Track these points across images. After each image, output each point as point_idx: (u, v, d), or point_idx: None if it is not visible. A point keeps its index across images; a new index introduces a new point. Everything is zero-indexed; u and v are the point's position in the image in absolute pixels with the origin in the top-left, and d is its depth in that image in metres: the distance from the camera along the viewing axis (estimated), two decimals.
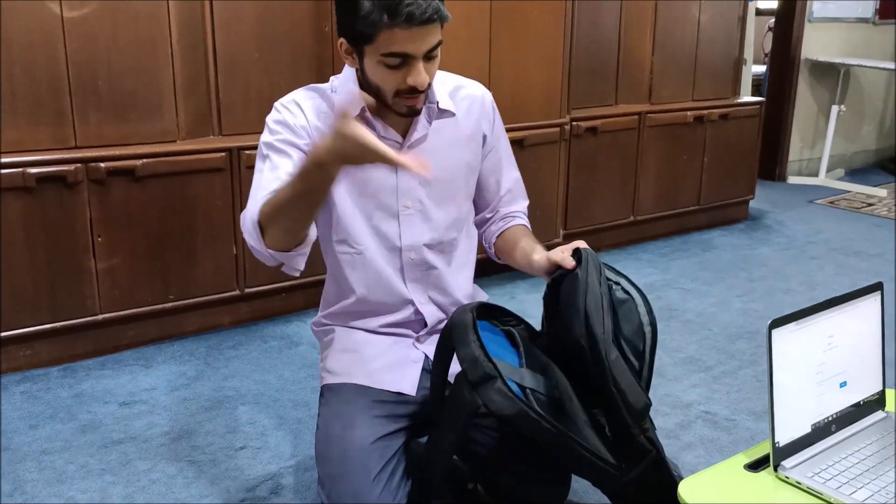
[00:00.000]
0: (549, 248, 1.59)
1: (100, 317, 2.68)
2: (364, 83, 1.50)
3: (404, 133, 1.56)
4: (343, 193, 1.56)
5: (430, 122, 1.57)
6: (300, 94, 1.58)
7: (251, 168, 2.72)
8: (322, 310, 1.75)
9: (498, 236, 1.72)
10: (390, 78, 1.43)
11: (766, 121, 4.74)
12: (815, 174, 5.62)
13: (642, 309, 1.42)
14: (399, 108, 1.47)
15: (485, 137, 1.67)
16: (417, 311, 1.64)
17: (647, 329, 1.39)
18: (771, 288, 3.50)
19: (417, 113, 1.51)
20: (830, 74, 5.58)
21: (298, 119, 1.53)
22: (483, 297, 1.77)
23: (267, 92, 2.93)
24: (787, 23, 5.39)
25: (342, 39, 1.48)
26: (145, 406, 2.42)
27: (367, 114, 1.51)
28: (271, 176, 1.48)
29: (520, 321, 1.58)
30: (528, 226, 1.75)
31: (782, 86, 5.46)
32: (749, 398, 2.51)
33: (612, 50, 3.88)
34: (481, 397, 1.28)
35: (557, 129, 3.43)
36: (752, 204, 4.65)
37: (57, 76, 2.51)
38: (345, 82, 1.56)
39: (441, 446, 1.38)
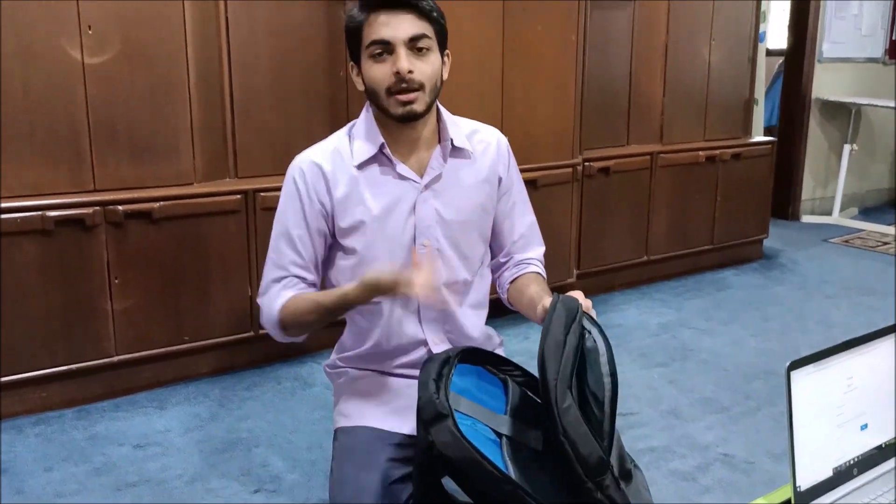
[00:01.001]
0: (561, 288, 1.59)
1: (115, 358, 2.69)
2: (368, 97, 1.55)
3: (421, 172, 1.58)
4: (364, 242, 1.57)
5: (445, 160, 1.59)
6: (317, 150, 1.61)
7: (266, 209, 2.80)
8: (336, 353, 1.75)
9: (511, 283, 1.71)
10: (379, 72, 1.47)
11: (779, 160, 4.75)
12: (829, 213, 5.61)
13: (603, 359, 1.34)
14: (395, 108, 1.48)
15: (500, 180, 1.68)
16: (430, 352, 1.64)
17: (607, 380, 1.31)
18: (786, 327, 3.48)
19: (415, 115, 1.50)
20: (841, 114, 5.60)
21: (318, 185, 1.56)
22: (497, 339, 1.76)
23: (282, 135, 2.97)
24: (797, 63, 5.43)
25: (351, 63, 1.55)
26: (159, 448, 2.42)
27: (386, 150, 1.54)
28: (287, 258, 1.57)
29: (522, 372, 1.54)
30: (543, 273, 1.73)
31: (794, 125, 5.48)
32: (767, 440, 2.48)
33: (624, 91, 3.92)
34: (431, 435, 1.26)
35: (570, 169, 3.45)
36: (765, 243, 4.64)
37: (77, 121, 2.56)
38: (361, 124, 1.59)
39: (414, 483, 1.36)
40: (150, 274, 2.70)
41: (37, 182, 2.53)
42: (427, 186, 1.57)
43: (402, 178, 1.56)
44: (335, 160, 1.57)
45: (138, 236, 2.66)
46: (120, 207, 2.60)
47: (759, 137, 4.55)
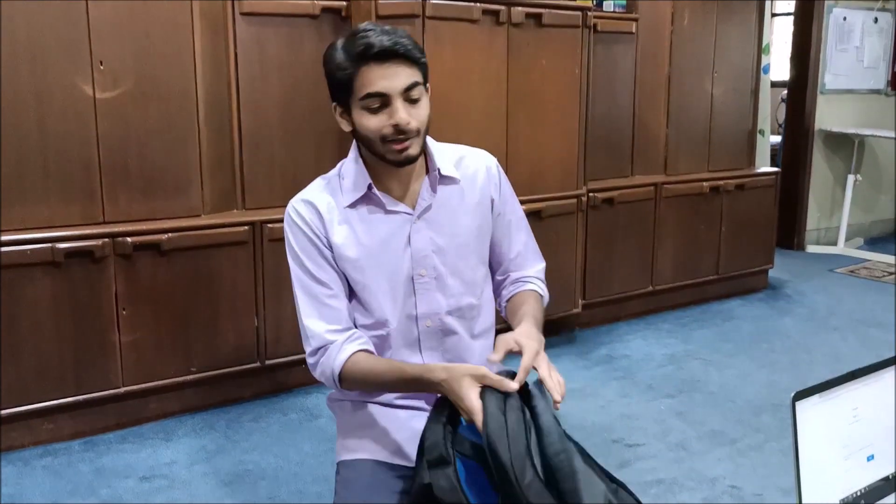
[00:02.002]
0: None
1: (122, 390, 2.69)
2: (359, 141, 1.56)
3: (412, 203, 1.59)
4: (361, 278, 1.58)
5: (434, 190, 1.60)
6: (309, 191, 1.61)
7: (273, 241, 2.82)
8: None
9: (508, 301, 1.72)
10: (374, 122, 1.48)
11: (783, 191, 4.77)
12: (834, 243, 5.61)
13: (548, 439, 1.25)
14: (392, 155, 1.49)
15: (493, 201, 1.69)
16: None
17: (556, 459, 1.23)
18: (794, 360, 3.47)
19: (412, 160, 1.51)
20: (845, 145, 5.63)
21: (315, 221, 1.56)
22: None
23: (290, 168, 3.00)
24: (800, 94, 5.47)
25: (334, 104, 1.56)
26: (165, 481, 2.41)
27: (374, 190, 1.56)
28: (327, 306, 1.56)
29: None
30: (540, 289, 1.73)
31: (798, 156, 5.50)
32: (776, 473, 2.46)
33: (627, 123, 3.96)
34: (430, 476, 1.26)
35: (575, 200, 3.48)
36: (771, 273, 4.64)
37: (88, 155, 2.59)
38: (349, 164, 1.60)
39: None
40: (157, 305, 2.72)
41: (48, 215, 2.56)
42: (419, 217, 1.58)
43: (393, 212, 1.58)
44: (327, 199, 1.58)
45: (147, 268, 2.68)
46: (129, 239, 2.62)
47: (763, 168, 4.57)
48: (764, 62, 4.47)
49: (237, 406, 2.92)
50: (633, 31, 3.87)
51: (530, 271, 1.75)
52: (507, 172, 1.77)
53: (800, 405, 1.16)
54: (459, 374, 1.35)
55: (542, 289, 1.74)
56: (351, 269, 1.57)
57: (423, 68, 1.50)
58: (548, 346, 1.47)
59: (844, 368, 1.21)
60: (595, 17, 3.57)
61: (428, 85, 1.55)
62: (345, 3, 3.00)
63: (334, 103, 1.55)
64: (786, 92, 5.75)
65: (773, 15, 7.25)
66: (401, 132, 1.47)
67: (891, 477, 1.31)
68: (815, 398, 1.18)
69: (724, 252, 4.29)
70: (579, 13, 3.34)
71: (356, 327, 1.63)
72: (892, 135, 5.43)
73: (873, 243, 5.86)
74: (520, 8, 3.15)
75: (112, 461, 2.53)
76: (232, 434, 2.71)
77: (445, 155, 1.64)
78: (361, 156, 1.58)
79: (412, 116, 1.47)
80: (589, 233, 3.69)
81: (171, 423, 2.79)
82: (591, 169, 3.63)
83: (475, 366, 1.37)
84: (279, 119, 2.97)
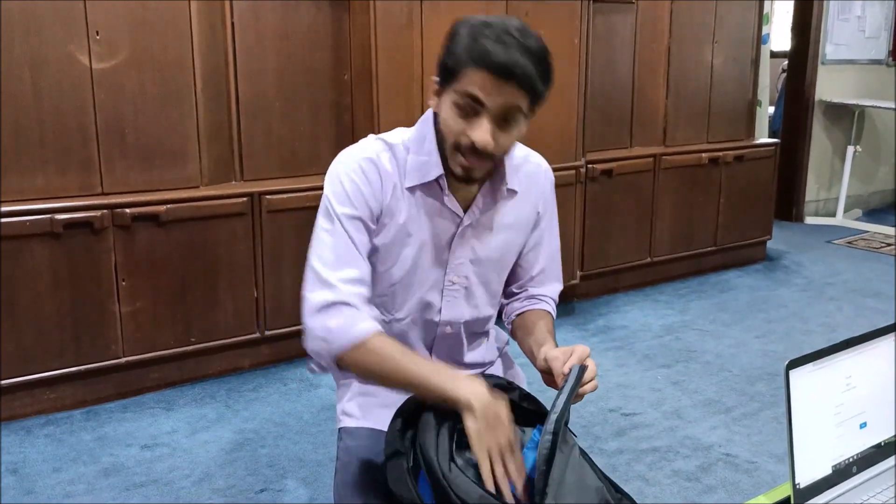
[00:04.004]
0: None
1: (122, 360, 2.71)
2: (437, 130, 1.43)
3: (465, 204, 1.50)
4: (390, 265, 1.50)
5: (494, 203, 1.51)
6: (378, 152, 1.46)
7: (272, 212, 2.83)
8: None
9: (518, 315, 1.65)
10: (457, 123, 1.35)
11: (782, 162, 4.76)
12: (833, 214, 5.62)
13: (552, 416, 1.23)
14: (454, 166, 1.38)
15: (538, 215, 1.62)
16: None
17: (546, 437, 1.21)
18: (790, 329, 3.49)
19: (472, 181, 1.41)
20: (845, 116, 5.61)
21: (375, 183, 1.43)
22: (504, 338, 1.76)
23: (288, 138, 2.99)
24: (801, 65, 5.44)
25: (434, 77, 1.43)
26: (167, 449, 2.44)
27: (442, 180, 1.45)
28: (354, 266, 1.40)
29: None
30: (552, 311, 1.66)
31: (797, 127, 5.49)
32: (770, 440, 2.49)
33: (627, 94, 3.94)
34: (386, 469, 1.26)
35: (573, 171, 3.47)
36: (769, 244, 4.65)
37: (85, 125, 2.59)
38: (420, 141, 1.47)
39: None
40: (157, 276, 2.73)
41: (46, 186, 2.56)
42: (469, 224, 1.50)
43: (447, 209, 1.47)
44: (389, 171, 1.46)
45: (146, 239, 2.69)
46: (128, 210, 2.63)
47: (762, 139, 4.56)
48: (763, 32, 4.44)
49: (237, 376, 2.95)
50: (633, 0, 3.84)
51: (547, 291, 1.67)
52: None
53: (794, 373, 1.17)
54: (492, 404, 1.24)
55: (554, 310, 1.67)
56: (386, 252, 1.47)
57: (535, 96, 1.36)
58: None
59: (840, 338, 1.22)
60: None
61: (536, 109, 1.40)
62: None
63: (435, 77, 1.41)
64: (786, 62, 5.72)
65: None
66: (475, 151, 1.35)
67: (883, 444, 1.33)
68: (809, 366, 1.20)
69: (722, 223, 4.29)
70: None
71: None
72: (893, 106, 5.41)
73: (872, 215, 5.87)
74: None
75: (114, 430, 2.55)
76: (232, 403, 2.74)
77: (514, 162, 1.52)
78: (434, 132, 1.45)
79: (496, 140, 1.35)
80: (587, 204, 3.69)
81: (171, 392, 2.81)
82: (589, 140, 3.62)
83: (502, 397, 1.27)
84: (276, 89, 2.96)
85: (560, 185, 3.37)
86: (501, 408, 1.25)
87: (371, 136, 1.50)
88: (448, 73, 1.36)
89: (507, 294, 1.69)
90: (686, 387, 2.89)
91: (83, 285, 2.61)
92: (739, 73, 4.28)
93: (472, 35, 1.34)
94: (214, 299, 2.85)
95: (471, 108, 1.34)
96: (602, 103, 3.79)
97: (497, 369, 1.71)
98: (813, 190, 5.63)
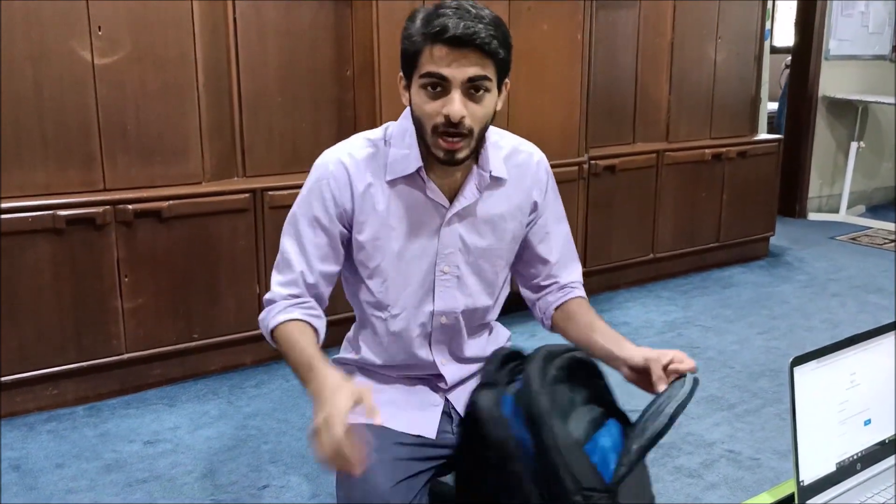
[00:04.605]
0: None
1: (125, 356, 2.71)
2: (413, 120, 1.45)
3: (451, 194, 1.50)
4: (379, 261, 1.52)
5: (480, 192, 1.51)
6: (354, 150, 1.50)
7: (274, 208, 2.82)
8: (344, 352, 1.74)
9: (556, 308, 1.64)
10: (429, 108, 1.37)
11: (785, 158, 4.75)
12: (836, 211, 5.61)
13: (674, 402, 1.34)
14: (437, 151, 1.39)
15: (535, 205, 1.61)
16: (439, 373, 1.62)
17: (662, 419, 1.34)
18: (793, 325, 3.48)
19: (456, 162, 1.41)
20: (848, 112, 5.60)
21: (343, 188, 1.48)
22: (504, 335, 1.76)
23: (289, 134, 2.99)
24: (804, 61, 5.42)
25: (400, 74, 1.44)
26: (169, 445, 2.44)
27: (423, 172, 1.46)
28: (297, 266, 1.51)
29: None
30: (584, 296, 1.67)
31: (800, 123, 5.47)
32: (773, 437, 2.49)
33: (630, 89, 3.93)
34: (474, 395, 1.30)
35: (576, 167, 3.47)
36: (772, 241, 4.64)
37: (87, 121, 2.58)
38: (401, 135, 1.49)
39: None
40: (159, 272, 2.73)
41: (48, 182, 2.56)
42: (455, 214, 1.50)
43: (431, 200, 1.48)
44: (366, 167, 1.49)
45: (148, 235, 2.68)
46: (130, 207, 2.62)
47: (765, 135, 4.55)
48: (765, 28, 4.43)
49: (239, 372, 2.95)
50: None
51: (574, 276, 1.68)
52: None
53: (798, 370, 1.17)
54: (335, 399, 1.26)
55: (584, 294, 1.67)
56: (372, 248, 1.50)
57: (500, 64, 1.37)
58: None
59: (843, 334, 1.22)
60: None
61: (506, 82, 1.43)
62: None
63: (401, 73, 1.44)
64: (790, 58, 5.71)
65: None
66: (451, 125, 1.36)
67: (887, 441, 1.32)
68: (812, 363, 1.19)
69: (725, 219, 4.28)
70: None
71: (361, 314, 1.60)
72: None
73: (875, 211, 5.85)
74: None
75: (116, 426, 2.55)
76: (234, 399, 2.74)
77: (500, 149, 1.54)
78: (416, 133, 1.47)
79: (468, 112, 1.36)
80: (590, 200, 3.68)
81: (174, 388, 2.81)
82: (592, 136, 3.61)
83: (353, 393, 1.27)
84: (278, 85, 2.96)
85: (563, 181, 3.38)
86: (337, 417, 1.22)
87: (356, 135, 1.54)
88: (409, 61, 1.39)
89: (535, 288, 1.68)
90: None
91: (85, 281, 2.61)
92: (742, 69, 4.26)
93: (426, 18, 1.37)
94: (216, 295, 2.85)
95: (438, 87, 1.36)
96: (605, 99, 3.78)
97: None
98: (816, 186, 5.61)
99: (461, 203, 1.50)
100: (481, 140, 1.44)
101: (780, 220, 4.85)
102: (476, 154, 1.47)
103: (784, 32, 6.50)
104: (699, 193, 4.15)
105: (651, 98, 3.99)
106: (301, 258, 1.50)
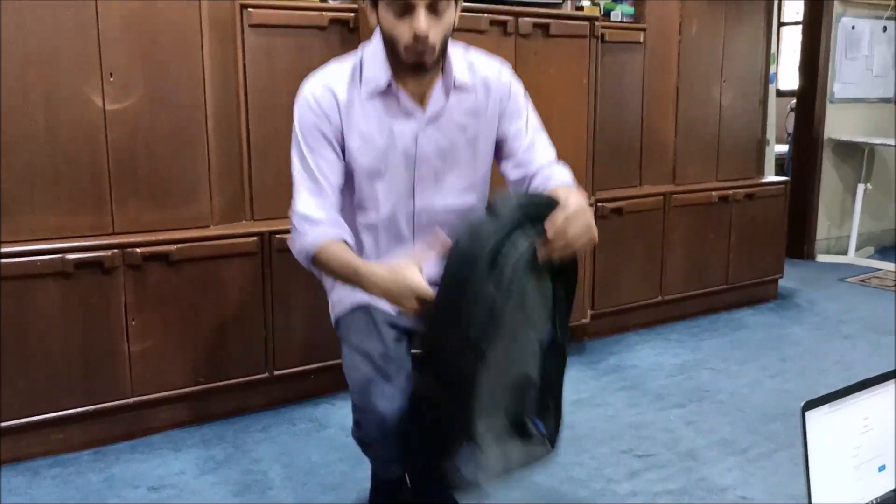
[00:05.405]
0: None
1: (131, 400, 2.70)
2: (384, 40, 1.66)
3: (423, 101, 1.72)
4: (373, 165, 1.72)
5: (447, 97, 1.72)
6: (331, 74, 1.75)
7: (282, 251, 2.83)
8: None
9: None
10: (398, 28, 1.59)
11: (793, 200, 4.75)
12: (844, 252, 5.59)
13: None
14: (408, 59, 1.62)
15: (503, 107, 1.81)
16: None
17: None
18: (804, 368, 3.45)
19: (424, 67, 1.64)
20: (855, 153, 5.61)
21: (331, 107, 1.71)
22: None
23: None
24: (809, 103, 5.46)
25: (365, 2, 1.67)
26: (174, 490, 2.41)
27: (394, 85, 1.68)
28: (321, 190, 1.73)
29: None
30: (568, 179, 1.87)
31: (807, 165, 5.49)
32: (786, 482, 2.45)
33: (636, 132, 3.96)
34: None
35: None
36: (781, 283, 4.62)
37: (98, 165, 2.61)
38: (373, 54, 1.71)
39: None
40: (166, 316, 2.73)
41: (58, 225, 2.57)
42: (429, 120, 1.72)
43: (406, 110, 1.71)
44: (345, 87, 1.70)
45: (156, 278, 2.69)
46: (138, 250, 2.64)
47: (772, 177, 4.56)
48: (770, 72, 4.47)
49: (245, 416, 2.92)
50: (641, 40, 3.87)
51: (548, 156, 1.87)
52: None
53: (810, 415, 1.15)
54: (387, 281, 1.56)
55: (570, 177, 1.87)
56: (357, 157, 1.71)
57: None
58: None
59: (855, 377, 1.20)
60: (603, 26, 3.57)
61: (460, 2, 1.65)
62: (353, 14, 3.02)
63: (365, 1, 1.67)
64: (794, 101, 5.75)
65: (781, 24, 7.24)
66: (420, 43, 1.58)
67: None
68: (825, 408, 1.18)
69: (733, 261, 4.27)
70: (587, 23, 3.34)
71: (349, 217, 1.81)
72: None
73: (884, 252, 5.83)
74: (527, 18, 3.15)
75: (121, 471, 2.53)
76: (240, 444, 2.72)
77: (462, 62, 1.76)
78: (385, 50, 1.69)
79: (432, 28, 1.58)
80: (598, 243, 3.66)
81: (180, 432, 2.79)
82: (599, 178, 3.62)
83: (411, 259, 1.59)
84: (287, 130, 2.95)
85: None
86: (408, 284, 1.53)
87: (330, 63, 1.80)
88: None
89: (516, 179, 1.86)
90: (700, 427, 2.84)
91: (93, 325, 2.61)
92: (748, 111, 4.29)
93: None
94: (224, 339, 2.84)
95: (404, 7, 1.57)
96: (612, 142, 3.80)
97: None
98: (824, 228, 5.61)
99: (432, 108, 1.73)
100: (444, 49, 1.67)
101: (789, 262, 4.84)
102: (442, 65, 1.72)
103: (789, 76, 6.55)
104: (707, 235, 4.14)
105: (657, 140, 4.01)
106: (322, 177, 1.73)
